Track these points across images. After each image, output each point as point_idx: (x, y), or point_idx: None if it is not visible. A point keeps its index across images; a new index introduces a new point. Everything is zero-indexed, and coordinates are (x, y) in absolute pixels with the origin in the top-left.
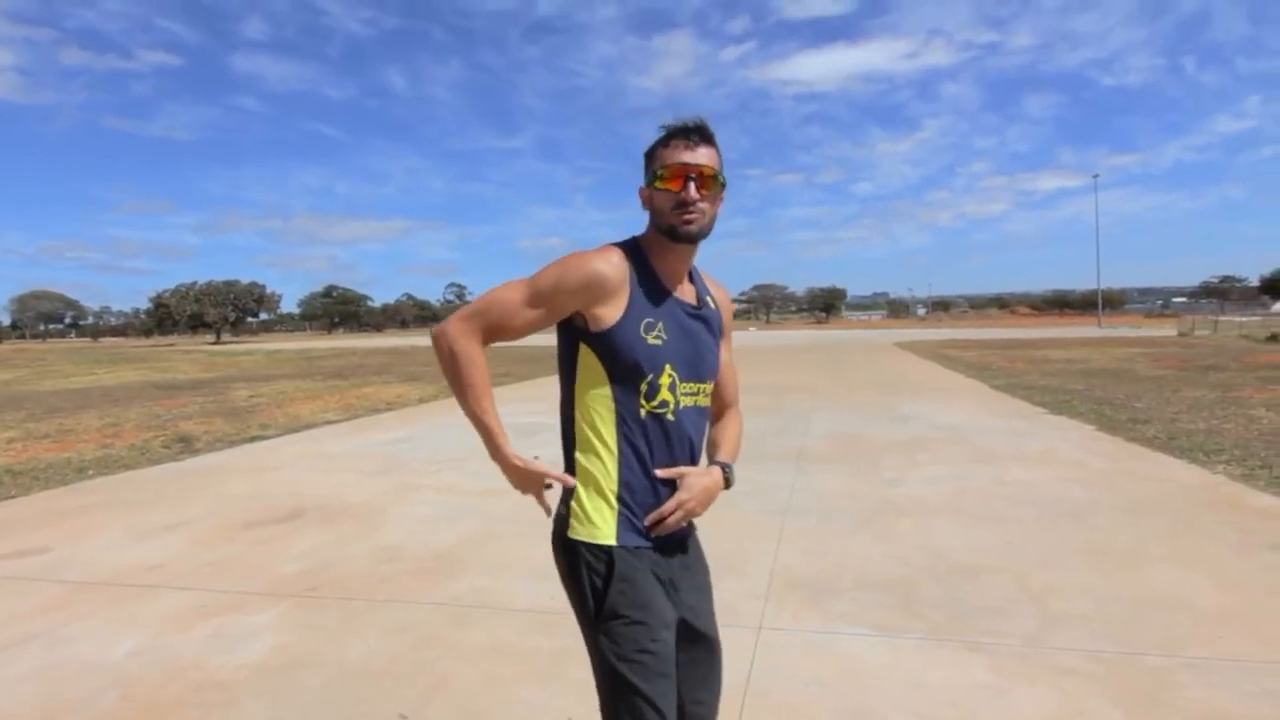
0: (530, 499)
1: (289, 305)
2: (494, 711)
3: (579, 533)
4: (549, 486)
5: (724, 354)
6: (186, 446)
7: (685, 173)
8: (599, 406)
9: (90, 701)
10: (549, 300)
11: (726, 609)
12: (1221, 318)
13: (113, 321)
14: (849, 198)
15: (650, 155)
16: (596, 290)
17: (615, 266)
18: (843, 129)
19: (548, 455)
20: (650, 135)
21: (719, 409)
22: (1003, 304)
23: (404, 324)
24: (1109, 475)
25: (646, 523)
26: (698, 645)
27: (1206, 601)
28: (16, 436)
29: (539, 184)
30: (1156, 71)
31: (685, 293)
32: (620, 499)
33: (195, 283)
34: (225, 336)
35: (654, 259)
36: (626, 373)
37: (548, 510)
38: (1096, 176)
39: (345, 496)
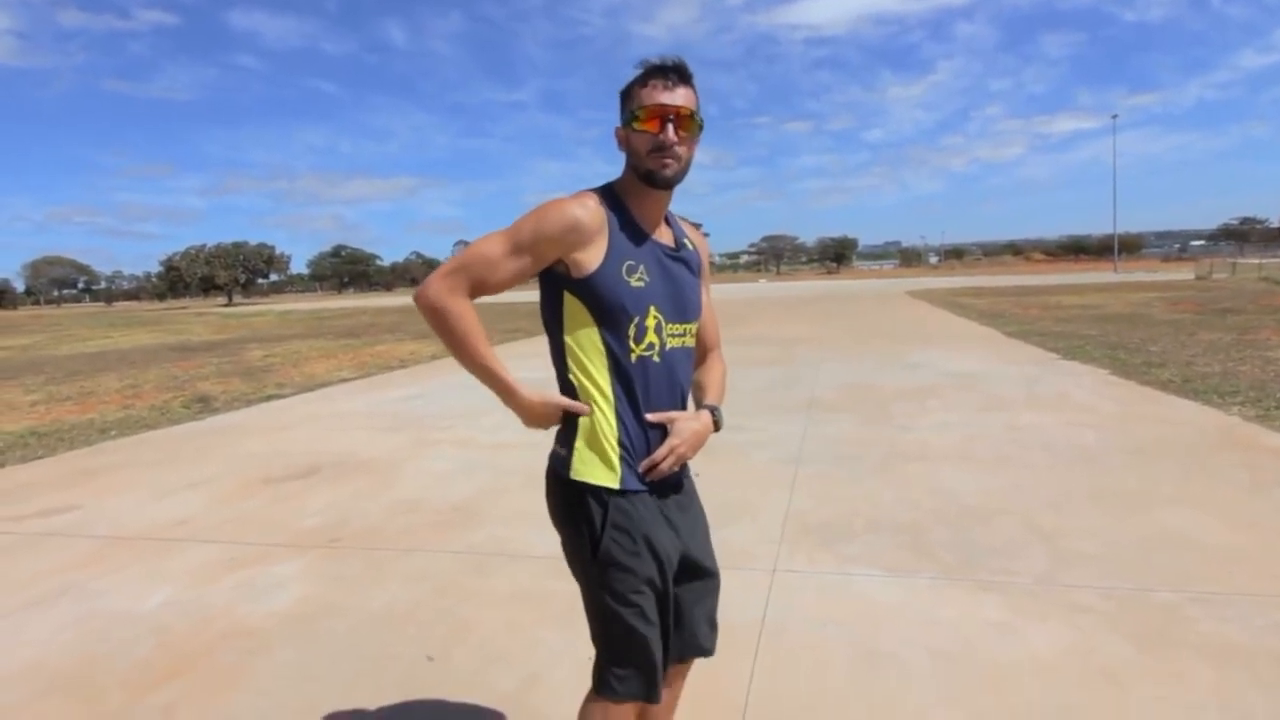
0: (548, 445)
1: (298, 266)
2: (516, 654)
3: (580, 474)
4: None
5: (704, 297)
6: (205, 406)
7: (663, 114)
8: (589, 354)
9: (127, 650)
10: (531, 249)
11: (741, 553)
12: (1240, 260)
13: (125, 286)
14: (860, 145)
15: (626, 94)
16: (575, 236)
17: (592, 211)
18: (853, 74)
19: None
20: None
21: (701, 353)
22: (1017, 250)
23: (413, 282)
24: (1122, 419)
25: (641, 469)
26: (697, 580)
27: (1217, 540)
28: (40, 399)
29: (543, 137)
30: (1180, 4)
31: (663, 235)
32: (619, 444)
33: (205, 245)
34: (236, 298)
35: (631, 204)
36: (612, 316)
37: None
38: (1115, 117)
39: (361, 452)
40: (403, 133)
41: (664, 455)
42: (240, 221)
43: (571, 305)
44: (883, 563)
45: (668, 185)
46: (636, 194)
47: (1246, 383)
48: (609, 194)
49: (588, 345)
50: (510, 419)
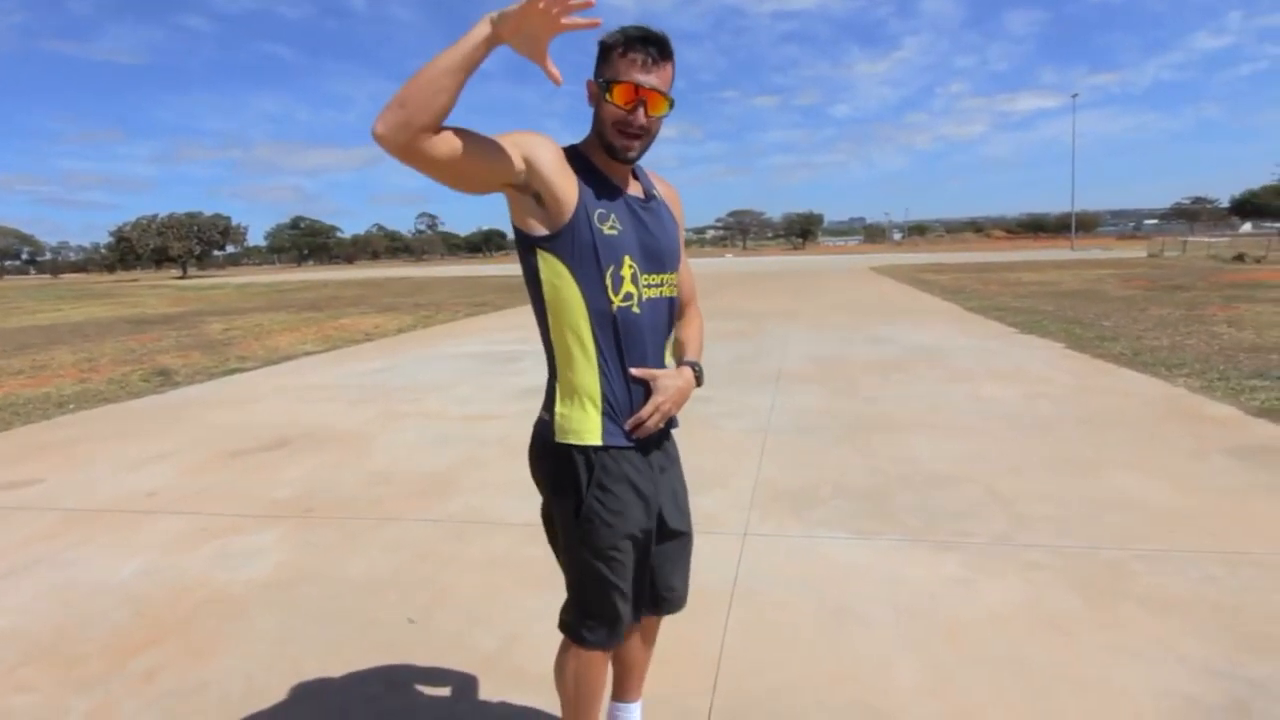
0: (520, 417)
1: (255, 238)
2: (496, 616)
3: (566, 437)
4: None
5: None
6: (166, 379)
7: (637, 95)
8: (570, 309)
9: (104, 617)
10: (522, 145)
11: (713, 519)
12: (1191, 239)
13: (72, 257)
14: (826, 120)
15: (605, 53)
16: (558, 162)
17: (561, 153)
18: (821, 48)
19: (530, 382)
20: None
21: (678, 308)
22: (979, 228)
23: (375, 255)
24: (1075, 390)
25: (628, 427)
26: (673, 539)
27: (1162, 502)
28: None
29: (508, 109)
30: None
31: (633, 188)
32: (602, 398)
33: (157, 215)
34: (191, 270)
35: (597, 160)
36: (588, 266)
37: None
38: (1075, 96)
39: (331, 425)
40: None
41: (649, 413)
42: (193, 191)
43: (547, 262)
44: (849, 526)
45: (627, 163)
46: (601, 155)
47: (1192, 356)
48: (575, 152)
49: (568, 303)
50: (478, 392)
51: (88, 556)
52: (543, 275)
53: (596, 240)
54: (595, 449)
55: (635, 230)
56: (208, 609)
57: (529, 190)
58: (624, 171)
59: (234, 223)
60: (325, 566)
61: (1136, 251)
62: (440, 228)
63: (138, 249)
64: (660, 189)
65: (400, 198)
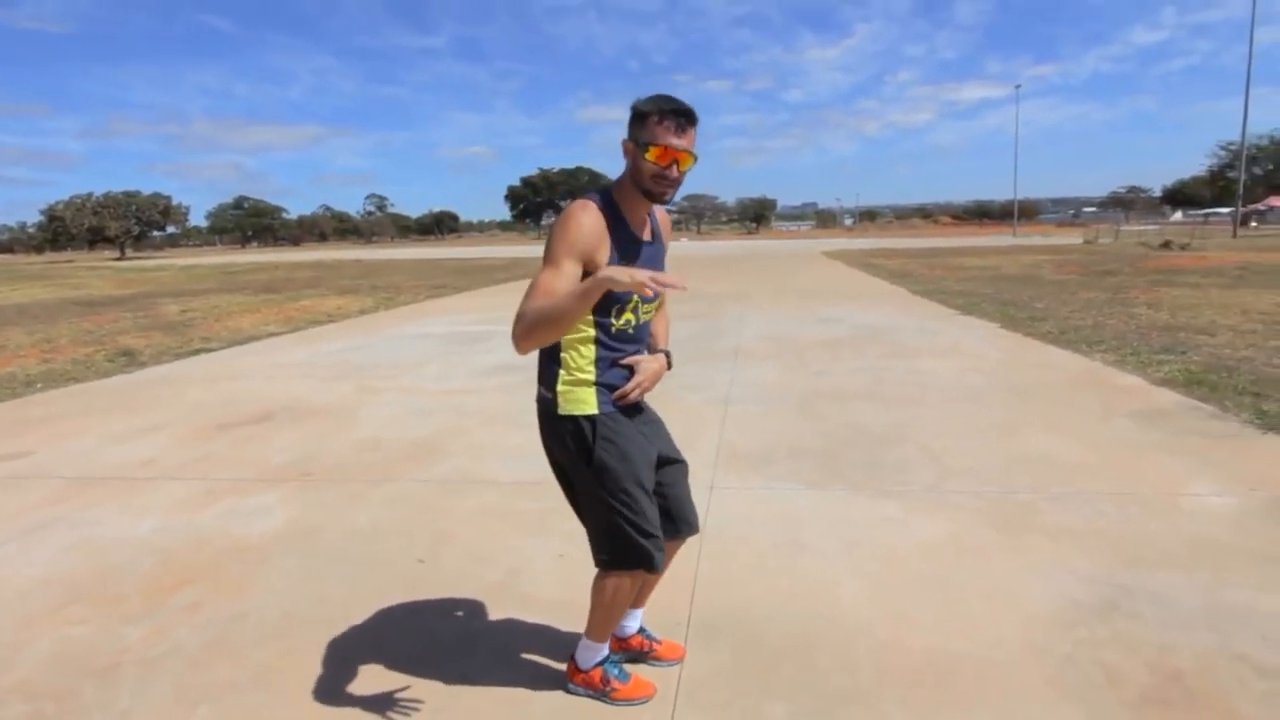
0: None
1: (197, 218)
2: (497, 555)
3: (570, 409)
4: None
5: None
6: (131, 360)
7: (672, 156)
8: (581, 325)
9: (133, 564)
10: (571, 261)
11: None
12: (1124, 227)
13: None
14: (779, 105)
15: (640, 120)
16: (596, 238)
17: (598, 217)
18: (774, 33)
19: (500, 360)
20: (578, 41)
21: None
22: (926, 214)
23: (323, 237)
24: (1005, 364)
25: (613, 398)
26: (673, 468)
27: (1069, 456)
28: None
29: (459, 87)
30: None
31: (644, 231)
32: (596, 381)
33: (91, 194)
34: (129, 252)
35: (625, 207)
36: (606, 303)
37: (670, 284)
38: (1018, 87)
39: (311, 400)
40: (305, 77)
41: (632, 388)
42: (127, 168)
43: None
44: (802, 479)
45: (663, 205)
46: (631, 199)
47: (1111, 334)
48: (607, 199)
49: (582, 322)
50: (450, 369)
51: (102, 517)
52: None
53: (616, 290)
54: (595, 416)
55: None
56: (230, 556)
57: None
58: (643, 214)
59: (174, 202)
60: (332, 520)
61: (1073, 238)
62: (390, 209)
63: (71, 229)
64: (659, 218)
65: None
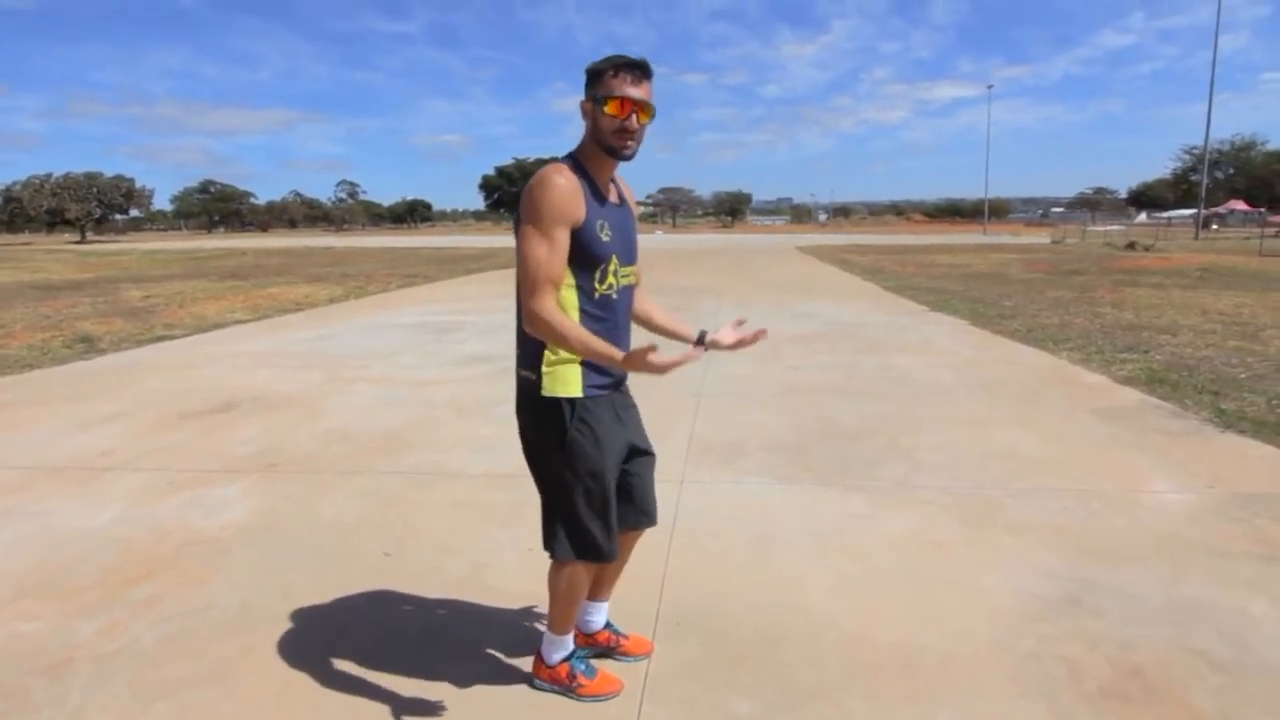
0: (468, 382)
1: (161, 201)
2: (464, 548)
3: (554, 390)
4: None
5: None
6: (90, 346)
7: (630, 106)
8: (565, 294)
9: (91, 557)
10: (559, 225)
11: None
12: (1091, 227)
13: None
14: (755, 100)
15: (596, 77)
16: (576, 199)
17: (573, 179)
18: (751, 27)
19: (472, 350)
20: (554, 30)
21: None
22: (899, 211)
23: (292, 224)
24: (973, 361)
25: (730, 343)
26: (641, 459)
27: (1034, 452)
28: None
29: (433, 74)
30: None
31: (611, 194)
32: (582, 361)
33: (50, 175)
34: (90, 235)
35: (591, 169)
36: (588, 264)
37: (692, 356)
38: (991, 87)
39: (277, 389)
40: (275, 60)
41: (751, 336)
42: (88, 149)
43: None
44: (773, 474)
45: (627, 159)
46: (596, 161)
47: (1077, 332)
48: (575, 163)
49: (564, 288)
50: (422, 359)
51: (58, 508)
52: None
53: (598, 244)
54: (577, 399)
55: (617, 234)
56: (192, 549)
57: None
58: (609, 176)
59: (138, 185)
60: (298, 512)
61: (1042, 238)
62: (362, 196)
63: (29, 210)
64: (623, 188)
65: (319, 164)
